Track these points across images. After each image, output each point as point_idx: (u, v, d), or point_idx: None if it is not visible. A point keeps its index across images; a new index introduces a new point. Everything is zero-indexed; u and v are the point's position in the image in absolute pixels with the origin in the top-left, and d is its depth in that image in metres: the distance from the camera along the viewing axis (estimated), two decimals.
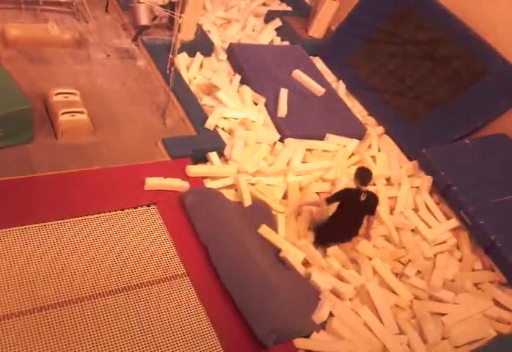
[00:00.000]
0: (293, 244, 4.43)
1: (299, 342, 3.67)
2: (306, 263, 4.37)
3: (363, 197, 4.27)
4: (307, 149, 5.53)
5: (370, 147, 5.99)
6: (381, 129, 6.34)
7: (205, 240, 4.05)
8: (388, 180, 5.54)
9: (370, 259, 4.55)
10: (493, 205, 5.01)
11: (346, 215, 4.41)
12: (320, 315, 3.89)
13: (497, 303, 4.48)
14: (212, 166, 4.96)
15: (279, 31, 7.69)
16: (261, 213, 4.52)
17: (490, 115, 5.80)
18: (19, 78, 4.77)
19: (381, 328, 4.02)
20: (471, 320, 4.28)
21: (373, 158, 5.76)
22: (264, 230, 4.36)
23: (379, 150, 5.99)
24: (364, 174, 4.31)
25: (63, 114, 4.69)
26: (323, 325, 3.90)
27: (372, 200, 4.39)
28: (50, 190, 4.14)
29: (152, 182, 4.40)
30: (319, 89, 6.36)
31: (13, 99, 4.37)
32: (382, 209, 4.99)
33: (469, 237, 5.02)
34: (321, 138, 5.76)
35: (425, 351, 3.96)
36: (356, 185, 4.33)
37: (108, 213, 4.13)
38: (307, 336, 3.76)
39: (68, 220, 3.98)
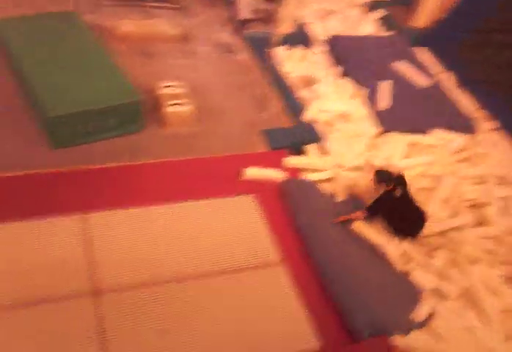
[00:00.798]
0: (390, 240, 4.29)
1: (396, 339, 3.57)
2: (404, 260, 4.22)
3: (398, 193, 4.10)
4: (409, 144, 5.32)
5: (479, 142, 5.61)
6: (493, 123, 5.93)
7: (302, 230, 4.06)
8: (502, 178, 5.16)
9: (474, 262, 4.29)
10: None
11: (398, 216, 4.23)
12: (419, 313, 3.74)
13: None
14: (310, 158, 4.94)
15: (381, 21, 7.46)
16: (354, 206, 4.43)
17: None
18: (130, 71, 5.08)
19: (486, 333, 3.78)
20: None
21: (484, 154, 5.40)
22: (359, 225, 4.28)
23: (491, 146, 5.60)
24: (381, 176, 4.21)
25: (169, 105, 4.92)
26: (421, 324, 3.74)
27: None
28: (155, 177, 4.38)
29: (252, 172, 4.51)
30: (423, 81, 6.09)
31: (125, 91, 4.66)
32: (491, 209, 4.68)
33: None
34: (424, 132, 5.51)
35: None
36: (384, 187, 4.17)
37: (207, 200, 4.26)
38: (404, 334, 3.63)
39: (170, 205, 4.18)
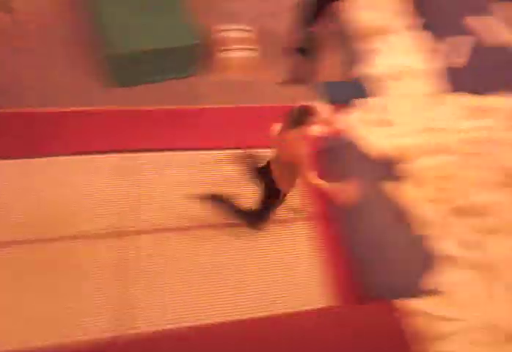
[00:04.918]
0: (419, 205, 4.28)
1: (412, 301, 3.68)
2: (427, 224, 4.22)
3: None
4: (470, 106, 5.08)
5: None
6: None
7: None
8: None
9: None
10: None
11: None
12: (435, 279, 3.82)
13: None
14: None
15: None
16: (391, 169, 4.42)
17: None
18: (202, 11, 5.09)
19: (502, 304, 3.79)
20: None
21: None
22: (391, 186, 4.30)
23: None
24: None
25: (231, 50, 4.97)
26: (437, 292, 3.81)
27: None
28: (211, 121, 4.56)
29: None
30: (499, 39, 5.63)
31: (184, 33, 4.72)
32: None
33: None
34: (491, 94, 5.20)
35: None
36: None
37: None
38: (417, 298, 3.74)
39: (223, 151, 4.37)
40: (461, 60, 5.38)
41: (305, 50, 5.09)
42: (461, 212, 4.30)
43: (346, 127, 4.71)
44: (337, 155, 4.39)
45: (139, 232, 3.84)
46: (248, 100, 4.87)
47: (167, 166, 4.24)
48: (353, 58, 5.37)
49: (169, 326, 3.44)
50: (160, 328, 3.40)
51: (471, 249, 4.05)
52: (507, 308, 3.77)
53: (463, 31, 5.66)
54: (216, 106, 4.74)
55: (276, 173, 3.36)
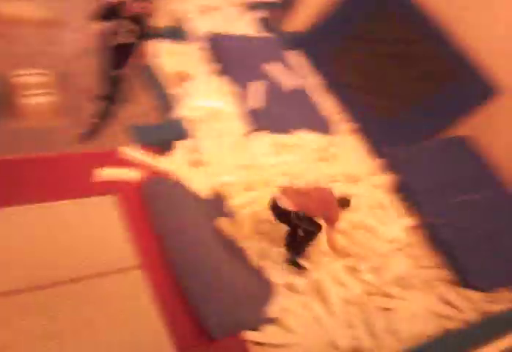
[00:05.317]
0: (251, 238, 4.51)
1: (248, 334, 3.76)
2: (261, 256, 4.46)
3: None
4: (274, 143, 5.59)
5: (337, 143, 6.04)
6: (351, 125, 6.41)
7: (162, 231, 4.10)
8: (350, 177, 5.62)
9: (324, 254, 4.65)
10: (448, 206, 5.18)
11: None
12: (272, 309, 3.98)
13: (443, 300, 4.64)
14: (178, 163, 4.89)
15: (259, 22, 7.65)
16: (219, 206, 4.58)
17: (458, 116, 5.95)
18: None
19: (330, 322, 4.13)
20: (418, 316, 4.43)
21: (338, 154, 5.84)
22: (222, 223, 4.43)
23: (346, 147, 6.06)
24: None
25: (27, 95, 4.61)
26: (275, 319, 3.97)
27: None
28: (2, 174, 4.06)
29: (108, 173, 4.35)
30: (291, 83, 6.39)
31: None
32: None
33: (423, 235, 5.18)
34: (290, 132, 5.82)
35: (372, 345, 4.08)
36: None
37: (62, 202, 4.05)
38: (257, 329, 3.85)
39: (18, 207, 3.89)
40: (260, 103, 5.90)
41: (110, 96, 5.02)
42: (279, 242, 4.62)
43: (165, 169, 4.72)
44: (165, 197, 4.34)
45: None
46: (48, 147, 4.51)
47: None
48: (165, 101, 5.46)
49: None
50: None
51: (298, 276, 4.36)
52: (340, 325, 4.13)
53: (259, 76, 6.27)
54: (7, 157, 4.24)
55: None
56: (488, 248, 4.98)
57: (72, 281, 3.60)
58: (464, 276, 4.79)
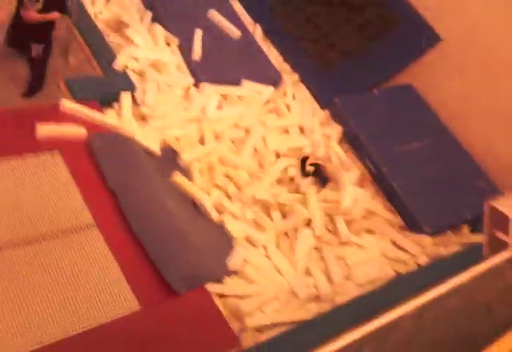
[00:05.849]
0: (208, 192, 4.39)
1: (210, 287, 3.73)
2: (220, 210, 4.37)
3: None
4: (222, 95, 5.39)
5: (284, 94, 5.94)
6: (295, 76, 6.29)
7: (114, 188, 3.88)
8: (301, 128, 5.58)
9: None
10: (396, 154, 5.29)
11: None
12: (233, 262, 3.95)
13: (396, 245, 4.81)
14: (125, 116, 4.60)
15: None
16: (172, 161, 4.39)
17: (401, 65, 6.02)
18: None
19: (290, 272, 4.17)
20: (372, 261, 4.57)
21: (287, 106, 5.74)
22: (177, 178, 4.27)
23: (294, 98, 5.97)
24: None
25: None
26: (236, 272, 3.96)
27: None
28: None
29: (46, 130, 4.02)
30: (235, 32, 6.13)
31: None
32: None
33: (372, 184, 5.29)
34: (237, 83, 5.62)
35: (330, 291, 4.17)
36: None
37: (5, 159, 3.76)
38: (220, 282, 3.82)
39: None
40: (197, 53, 5.61)
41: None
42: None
43: (111, 124, 4.42)
44: (114, 153, 4.08)
45: None
46: None
47: None
48: (102, 53, 5.05)
49: None
50: None
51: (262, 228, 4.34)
52: (299, 274, 4.17)
53: (200, 25, 5.94)
54: None
55: None
56: (435, 192, 5.17)
57: (29, 242, 3.40)
58: (413, 222, 4.96)
